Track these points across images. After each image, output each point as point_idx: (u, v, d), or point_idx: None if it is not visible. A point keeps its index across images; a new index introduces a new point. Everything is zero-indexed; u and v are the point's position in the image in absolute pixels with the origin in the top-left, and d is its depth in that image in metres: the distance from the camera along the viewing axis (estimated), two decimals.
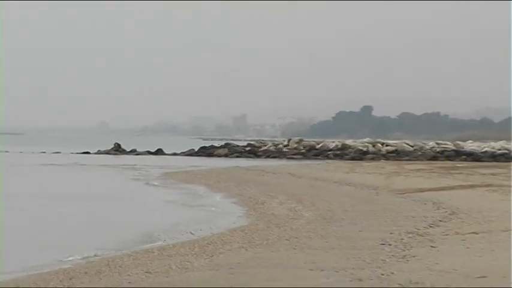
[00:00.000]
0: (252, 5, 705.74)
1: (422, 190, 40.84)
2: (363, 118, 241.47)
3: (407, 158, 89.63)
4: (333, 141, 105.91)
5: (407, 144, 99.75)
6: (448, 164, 77.45)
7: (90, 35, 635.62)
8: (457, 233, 23.29)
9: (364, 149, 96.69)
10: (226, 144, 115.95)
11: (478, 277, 15.03)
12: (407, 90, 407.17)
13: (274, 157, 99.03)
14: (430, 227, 25.28)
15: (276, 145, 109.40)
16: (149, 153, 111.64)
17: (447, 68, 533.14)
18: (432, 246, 20.53)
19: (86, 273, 18.06)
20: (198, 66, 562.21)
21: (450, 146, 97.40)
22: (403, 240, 21.90)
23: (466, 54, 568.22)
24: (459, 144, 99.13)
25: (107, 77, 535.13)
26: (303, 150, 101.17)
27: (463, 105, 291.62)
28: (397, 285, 14.62)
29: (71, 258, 20.99)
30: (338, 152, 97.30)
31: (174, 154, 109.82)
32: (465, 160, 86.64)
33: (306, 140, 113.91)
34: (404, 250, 19.97)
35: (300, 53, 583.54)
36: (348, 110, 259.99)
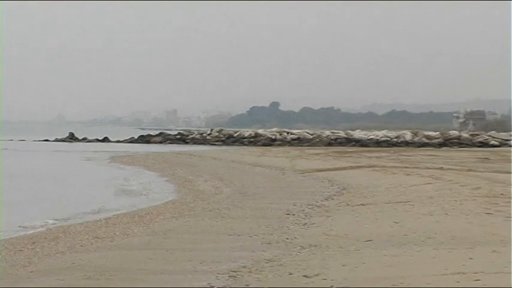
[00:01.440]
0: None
1: (319, 170, 40.97)
2: (272, 112, 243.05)
3: (307, 144, 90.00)
4: (247, 131, 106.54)
5: (307, 133, 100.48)
6: (341, 149, 77.67)
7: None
8: (347, 205, 23.42)
9: (273, 137, 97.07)
10: (160, 133, 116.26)
11: (365, 240, 15.14)
12: (307, 88, 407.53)
13: (200, 143, 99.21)
14: (326, 200, 25.38)
15: (201, 134, 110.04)
16: (98, 140, 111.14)
17: (340, 69, 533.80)
18: (328, 216, 20.64)
19: (45, 238, 18.02)
20: (138, 67, 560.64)
21: (342, 134, 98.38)
22: (304, 211, 21.97)
23: (356, 58, 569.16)
24: (349, 132, 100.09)
25: (66, 73, 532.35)
26: (223, 138, 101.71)
27: (352, 101, 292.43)
28: (299, 247, 14.71)
29: (32, 227, 20.99)
30: (252, 139, 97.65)
31: (118, 141, 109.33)
32: (354, 146, 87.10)
33: (225, 129, 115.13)
34: (305, 219, 20.05)
35: (220, 55, 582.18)
36: (259, 105, 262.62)
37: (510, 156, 57.74)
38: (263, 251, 14.46)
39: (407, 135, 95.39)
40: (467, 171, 38.76)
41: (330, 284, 10.73)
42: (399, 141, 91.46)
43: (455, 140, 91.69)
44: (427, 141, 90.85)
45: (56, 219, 22.54)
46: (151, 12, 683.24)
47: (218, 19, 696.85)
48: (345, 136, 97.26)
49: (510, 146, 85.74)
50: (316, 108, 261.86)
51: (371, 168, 41.40)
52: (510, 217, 18.63)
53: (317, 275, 11.47)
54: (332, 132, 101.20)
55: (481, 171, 38.29)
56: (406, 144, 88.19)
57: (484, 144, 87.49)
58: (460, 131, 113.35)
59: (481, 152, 67.71)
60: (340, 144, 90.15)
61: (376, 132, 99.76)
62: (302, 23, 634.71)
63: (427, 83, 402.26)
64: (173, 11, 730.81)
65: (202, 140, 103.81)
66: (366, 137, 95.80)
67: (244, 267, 12.58)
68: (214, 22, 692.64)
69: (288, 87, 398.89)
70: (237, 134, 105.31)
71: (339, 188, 30.17)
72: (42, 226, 21.23)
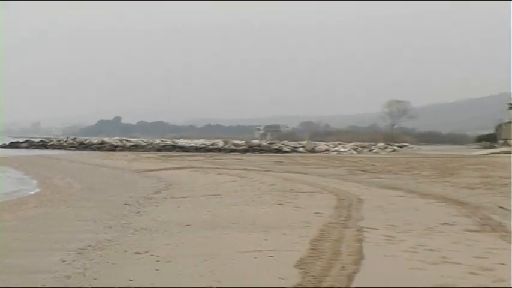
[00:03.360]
0: None
1: (151, 170, 40.82)
2: (115, 124, 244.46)
3: (142, 150, 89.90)
4: (96, 139, 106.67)
5: (142, 141, 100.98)
6: (168, 153, 77.70)
7: None
8: (172, 197, 23.33)
9: (115, 144, 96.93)
10: (26, 140, 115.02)
11: (185, 225, 15.16)
12: (144, 104, 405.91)
13: (58, 148, 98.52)
14: (155, 193, 25.23)
15: (59, 141, 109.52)
16: None
17: (166, 89, 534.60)
18: (156, 206, 20.52)
19: None
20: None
21: (169, 142, 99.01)
22: (138, 202, 21.79)
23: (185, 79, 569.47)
24: (175, 141, 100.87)
25: None
26: (76, 144, 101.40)
27: (178, 116, 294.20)
28: (133, 230, 14.66)
29: None
30: (99, 146, 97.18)
31: None
32: (178, 151, 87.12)
33: (78, 137, 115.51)
34: (138, 208, 19.89)
35: (72, 76, 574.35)
36: (105, 119, 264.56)
37: (298, 159, 58.70)
38: (105, 233, 14.33)
39: (220, 143, 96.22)
40: (266, 171, 39.23)
41: (157, 259, 10.74)
42: (214, 147, 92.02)
43: (256, 147, 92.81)
44: (235, 148, 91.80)
45: None
46: None
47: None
48: (172, 144, 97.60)
49: (298, 152, 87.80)
50: (150, 122, 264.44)
51: (191, 169, 41.47)
52: (298, 207, 18.99)
53: (146, 251, 11.47)
54: (161, 140, 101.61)
55: (276, 172, 38.80)
56: (219, 150, 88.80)
57: (278, 151, 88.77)
58: (260, 140, 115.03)
59: (277, 156, 68.46)
60: (168, 150, 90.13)
61: (196, 141, 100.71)
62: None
63: (236, 101, 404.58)
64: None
65: (59, 146, 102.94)
66: (187, 144, 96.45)
67: (89, 246, 12.48)
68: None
69: (128, 104, 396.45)
70: (87, 141, 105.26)
71: (165, 184, 30.09)
72: None
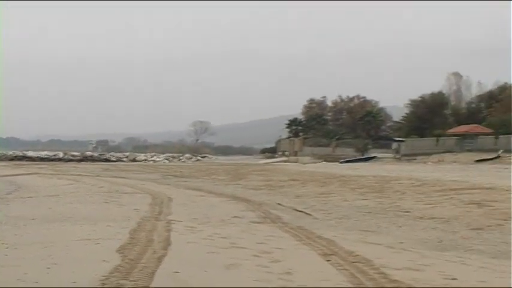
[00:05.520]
0: None
1: (6, 175, 39.24)
2: None
3: None
4: None
5: None
6: (19, 162, 75.26)
7: None
8: (21, 197, 22.35)
9: None
10: None
11: (31, 219, 14.63)
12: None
13: None
14: (7, 194, 24.15)
15: None
16: None
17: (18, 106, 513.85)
18: (7, 204, 19.57)
19: None
20: None
21: (20, 153, 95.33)
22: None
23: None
24: (24, 152, 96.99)
25: None
26: None
27: (29, 132, 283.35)
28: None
29: None
30: None
31: None
32: (28, 160, 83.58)
33: None
34: None
35: None
36: None
37: (122, 167, 58.01)
38: None
39: (60, 154, 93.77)
40: (96, 176, 38.65)
41: (6, 246, 10.32)
42: (55, 157, 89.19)
43: (89, 157, 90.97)
44: (72, 158, 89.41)
45: None
46: None
47: None
48: (22, 154, 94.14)
49: (123, 161, 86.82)
50: (4, 137, 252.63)
51: (37, 175, 40.29)
52: (121, 205, 18.76)
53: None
54: (13, 152, 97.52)
55: (104, 177, 38.24)
56: (59, 159, 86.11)
57: (107, 160, 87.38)
58: (92, 152, 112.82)
59: (105, 165, 67.44)
60: (19, 159, 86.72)
61: (41, 152, 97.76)
62: None
63: (73, 120, 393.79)
64: None
65: None
66: (34, 155, 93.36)
67: None
68: None
69: None
70: None
71: (15, 186, 28.92)
72: None
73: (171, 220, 14.20)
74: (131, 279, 7.39)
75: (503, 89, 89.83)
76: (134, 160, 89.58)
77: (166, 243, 10.29)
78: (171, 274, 7.73)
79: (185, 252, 9.53)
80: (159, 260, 8.69)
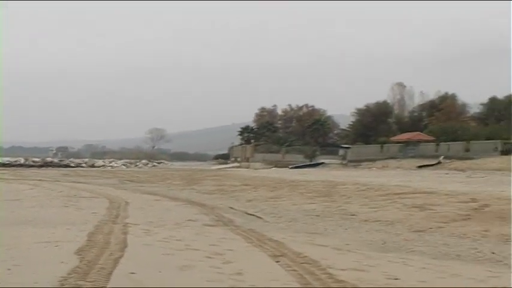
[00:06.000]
0: None
1: None
2: None
3: None
4: None
5: None
6: None
7: None
8: None
9: None
10: None
11: None
12: None
13: None
14: None
15: None
16: None
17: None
18: None
19: None
20: None
21: None
22: None
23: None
24: None
25: None
26: None
27: None
28: None
29: None
30: None
31: None
32: None
33: None
34: None
35: None
36: None
37: (81, 172, 57.40)
38: None
39: (22, 160, 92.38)
40: (56, 181, 38.17)
41: None
42: (17, 163, 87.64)
43: (50, 163, 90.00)
44: (33, 163, 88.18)
45: None
46: None
47: None
48: None
49: (82, 167, 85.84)
50: None
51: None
52: (79, 208, 18.56)
53: None
54: None
55: (64, 182, 37.83)
56: (21, 165, 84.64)
57: (67, 166, 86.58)
58: (53, 158, 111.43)
59: (65, 170, 66.87)
60: None
61: (3, 158, 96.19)
62: None
63: (34, 128, 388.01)
64: None
65: None
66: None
67: None
68: None
69: None
70: None
71: None
72: None
73: (128, 223, 14.08)
74: (88, 279, 7.33)
75: (443, 98, 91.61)
76: (93, 166, 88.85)
77: (123, 245, 10.21)
78: (127, 275, 7.68)
79: (141, 254, 9.46)
80: (116, 261, 8.62)
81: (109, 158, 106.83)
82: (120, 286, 7.14)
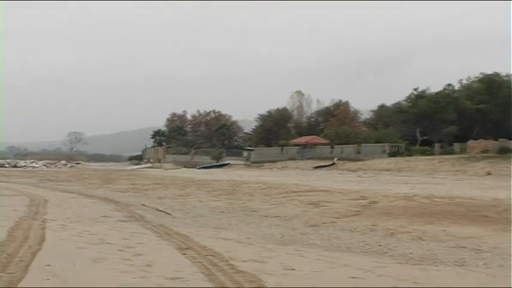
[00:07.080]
0: None
1: None
2: None
3: None
4: None
5: None
6: None
7: None
8: None
9: None
10: None
11: None
12: None
13: None
14: None
15: None
16: None
17: None
18: None
19: None
20: None
21: None
22: None
23: None
24: None
25: None
26: None
27: None
28: None
29: None
30: None
31: None
32: None
33: None
34: None
35: None
36: None
37: (4, 172, 55.46)
38: None
39: None
40: None
41: None
42: None
43: None
44: None
45: None
46: None
47: None
48: None
49: (5, 167, 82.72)
50: None
51: None
52: (1, 206, 17.91)
53: None
54: None
55: None
56: None
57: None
58: None
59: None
60: None
61: None
62: None
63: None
64: None
65: None
66: None
67: None
68: None
69: None
70: None
71: None
72: None
73: (46, 219, 13.71)
74: (8, 271, 7.12)
75: (338, 105, 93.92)
76: (15, 166, 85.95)
77: (41, 240, 9.95)
78: (44, 267, 7.50)
79: (57, 248, 9.24)
80: (34, 254, 8.39)
81: (30, 159, 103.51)
82: (36, 277, 6.98)
